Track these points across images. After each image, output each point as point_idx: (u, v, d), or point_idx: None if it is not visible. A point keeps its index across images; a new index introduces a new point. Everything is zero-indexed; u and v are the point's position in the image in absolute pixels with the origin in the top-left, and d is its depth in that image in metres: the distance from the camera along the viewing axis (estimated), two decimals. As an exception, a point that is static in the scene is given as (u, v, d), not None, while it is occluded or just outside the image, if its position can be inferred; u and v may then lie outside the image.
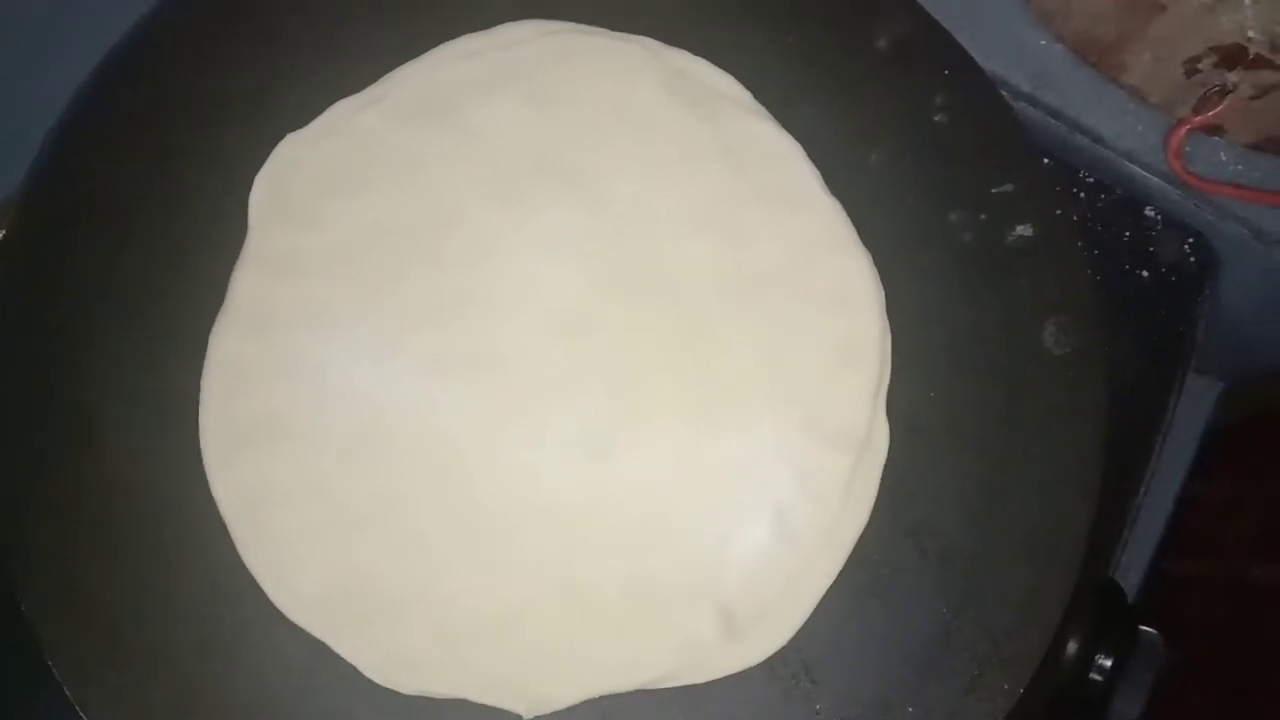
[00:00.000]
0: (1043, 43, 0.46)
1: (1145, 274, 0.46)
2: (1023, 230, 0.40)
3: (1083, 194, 0.46)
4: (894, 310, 0.39)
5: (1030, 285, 0.39)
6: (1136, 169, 0.46)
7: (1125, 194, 0.46)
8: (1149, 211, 0.46)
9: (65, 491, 0.36)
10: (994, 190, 0.40)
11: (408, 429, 0.37)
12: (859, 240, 0.39)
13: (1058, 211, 0.40)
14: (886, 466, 0.38)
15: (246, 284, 0.38)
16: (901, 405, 0.38)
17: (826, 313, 0.39)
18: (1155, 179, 0.46)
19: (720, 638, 0.36)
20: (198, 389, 0.37)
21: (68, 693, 0.34)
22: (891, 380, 0.38)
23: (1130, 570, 0.53)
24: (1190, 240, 0.46)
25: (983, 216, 0.40)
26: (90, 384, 0.37)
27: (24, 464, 0.36)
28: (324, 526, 0.37)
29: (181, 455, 0.37)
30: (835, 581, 0.36)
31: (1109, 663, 0.41)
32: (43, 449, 0.37)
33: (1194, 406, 0.55)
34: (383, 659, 0.35)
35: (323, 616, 0.36)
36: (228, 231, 0.38)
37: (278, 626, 0.35)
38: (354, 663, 0.35)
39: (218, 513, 0.36)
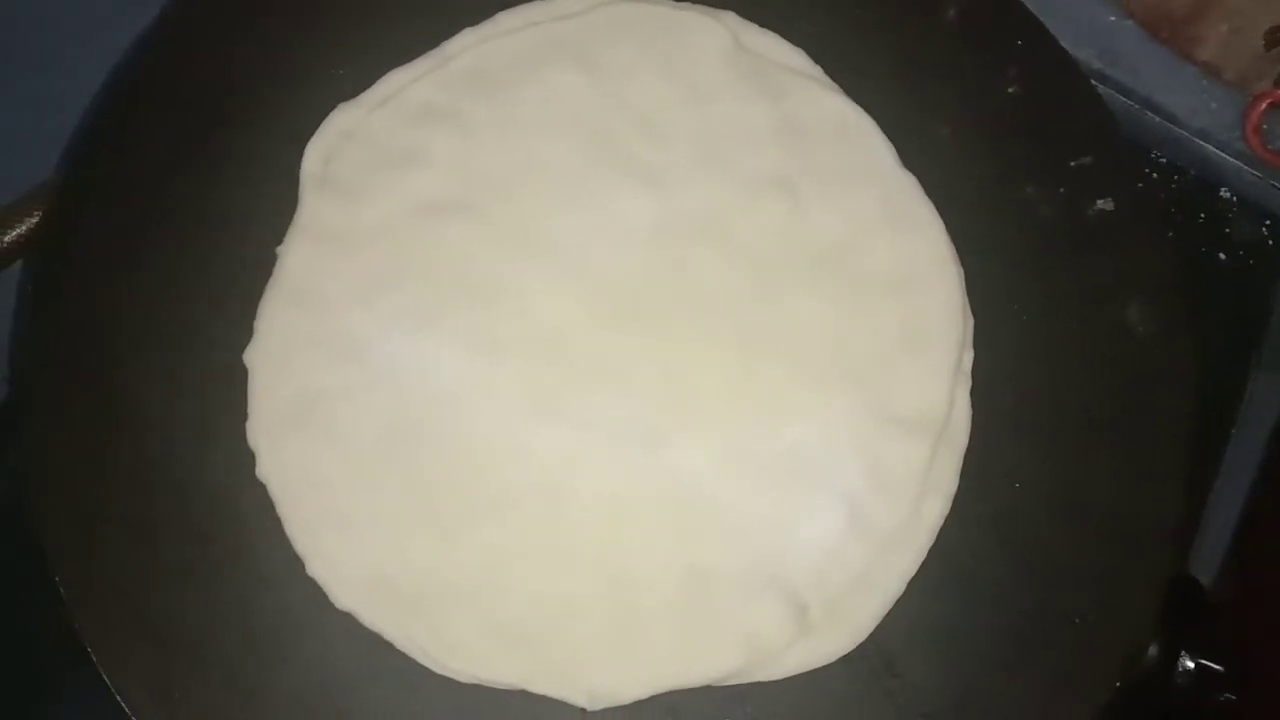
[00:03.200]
0: (1112, 18, 0.44)
1: (1222, 256, 0.45)
2: (1103, 204, 0.38)
3: (1155, 175, 0.45)
4: (971, 288, 0.37)
5: (1113, 261, 0.37)
6: (1211, 149, 0.44)
7: (1199, 175, 0.45)
8: (1224, 193, 0.45)
9: (105, 471, 0.35)
10: (1072, 163, 0.38)
11: (454, 411, 0.36)
12: (936, 214, 0.37)
13: (1139, 185, 0.38)
14: (968, 451, 0.36)
15: (297, 257, 0.36)
16: (981, 387, 0.36)
17: (901, 290, 0.37)
18: (1230, 159, 0.44)
19: (792, 633, 0.34)
20: (244, 365, 0.36)
21: (107, 681, 0.33)
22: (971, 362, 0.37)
23: (1200, 573, 0.51)
24: (1268, 222, 0.45)
25: (1061, 190, 0.38)
26: (133, 359, 0.36)
27: (62, 442, 0.35)
28: (374, 511, 0.35)
29: (227, 434, 0.35)
30: (915, 572, 0.35)
31: (1192, 664, 0.39)
32: (82, 426, 0.35)
33: (1262, 404, 0.53)
34: (438, 647, 0.33)
35: (374, 603, 0.34)
36: (278, 203, 0.37)
37: (327, 614, 0.34)
38: (407, 650, 0.33)
39: (264, 494, 0.35)
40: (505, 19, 0.39)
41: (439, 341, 0.36)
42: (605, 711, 0.33)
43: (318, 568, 0.34)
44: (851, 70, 0.39)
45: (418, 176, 0.38)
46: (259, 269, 0.36)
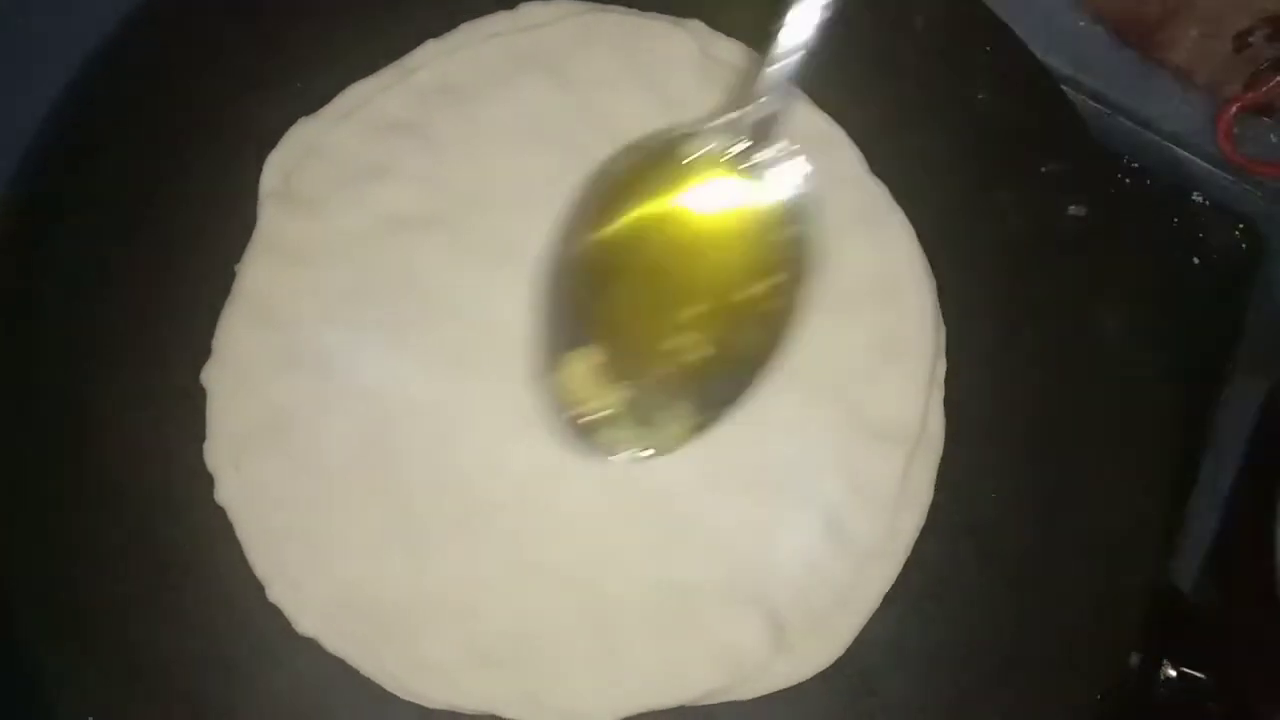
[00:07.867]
0: (1082, 24, 0.44)
1: (1195, 260, 0.44)
2: (1075, 210, 0.38)
3: (1127, 180, 0.44)
4: (943, 296, 0.37)
5: (1086, 267, 0.37)
6: (1183, 153, 0.44)
7: (1171, 179, 0.44)
8: (1196, 197, 0.44)
9: (61, 495, 0.34)
10: (1044, 169, 0.38)
11: (423, 427, 0.35)
12: (906, 223, 0.37)
13: (1111, 190, 0.38)
14: (943, 462, 0.35)
15: (257, 274, 0.36)
16: (956, 397, 0.36)
17: (872, 301, 0.36)
18: (1202, 163, 0.44)
19: (769, 650, 0.33)
20: (203, 384, 0.35)
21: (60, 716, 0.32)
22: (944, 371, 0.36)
23: (1180, 581, 0.51)
24: (1240, 226, 0.45)
25: (1033, 197, 0.38)
26: (91, 381, 0.35)
27: (17, 465, 0.34)
28: (343, 530, 0.34)
29: (186, 455, 0.34)
30: (893, 586, 0.34)
31: (1175, 673, 0.39)
32: (38, 449, 0.34)
33: (1239, 408, 0.52)
34: (407, 670, 0.32)
35: (341, 626, 0.33)
36: (237, 219, 0.36)
37: (290, 639, 0.33)
38: (372, 675, 0.33)
39: (225, 516, 0.34)
40: (469, 30, 0.39)
41: (409, 357, 0.35)
42: (577, 735, 0.33)
43: (280, 592, 0.33)
44: (819, 78, 0.38)
45: (384, 191, 0.37)
46: (222, 287, 0.36)
